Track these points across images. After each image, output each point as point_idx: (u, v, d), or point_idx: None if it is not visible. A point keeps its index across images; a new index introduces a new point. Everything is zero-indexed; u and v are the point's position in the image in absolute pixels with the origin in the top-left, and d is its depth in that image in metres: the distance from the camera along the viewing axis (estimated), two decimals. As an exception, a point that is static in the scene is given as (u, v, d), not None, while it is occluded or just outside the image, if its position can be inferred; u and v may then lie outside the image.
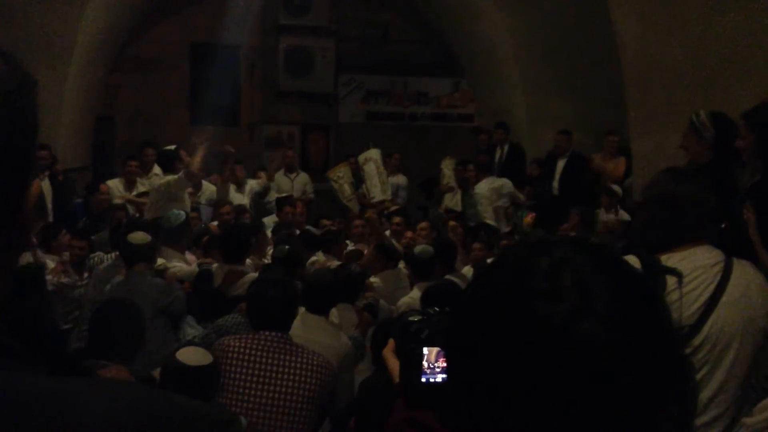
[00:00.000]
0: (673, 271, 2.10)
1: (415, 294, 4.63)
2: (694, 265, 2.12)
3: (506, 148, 9.18)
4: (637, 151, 6.44)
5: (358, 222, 6.98)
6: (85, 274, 5.14)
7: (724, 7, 5.19)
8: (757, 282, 2.18)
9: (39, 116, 0.75)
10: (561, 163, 8.36)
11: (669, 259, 2.14)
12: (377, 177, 9.24)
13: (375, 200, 8.95)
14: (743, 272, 2.16)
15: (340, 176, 9.32)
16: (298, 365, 2.95)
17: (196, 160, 6.18)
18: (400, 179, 9.62)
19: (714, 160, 3.86)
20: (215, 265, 4.88)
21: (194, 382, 2.60)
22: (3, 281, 0.73)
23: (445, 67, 11.60)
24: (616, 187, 7.25)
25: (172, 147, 7.02)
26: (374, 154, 9.40)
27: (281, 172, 9.42)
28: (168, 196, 6.11)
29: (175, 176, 6.22)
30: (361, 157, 9.42)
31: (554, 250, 0.73)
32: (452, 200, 9.03)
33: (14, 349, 0.67)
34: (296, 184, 9.26)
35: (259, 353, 2.95)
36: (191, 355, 2.70)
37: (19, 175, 0.72)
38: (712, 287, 2.09)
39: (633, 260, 2.13)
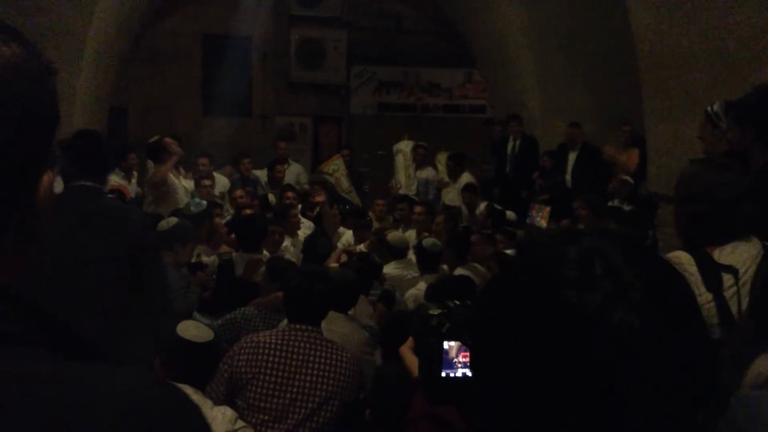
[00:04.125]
0: (730, 269, 2.09)
1: (422, 286, 4.65)
2: (743, 258, 2.11)
3: (519, 140, 9.13)
4: (653, 142, 6.39)
5: (379, 201, 7.16)
6: None
7: (742, -5, 5.12)
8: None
9: (57, 106, 0.74)
10: (572, 156, 8.32)
11: (720, 254, 2.12)
12: (403, 170, 9.19)
13: (402, 193, 8.91)
14: None
15: (335, 169, 9.25)
16: (328, 361, 2.96)
17: (162, 170, 6.03)
18: (428, 173, 9.46)
19: (730, 150, 3.83)
20: (234, 254, 4.96)
21: (197, 358, 2.61)
22: (19, 272, 0.72)
23: (457, 57, 11.53)
24: (628, 178, 7.20)
25: (155, 138, 7.03)
26: (405, 146, 9.35)
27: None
28: (153, 194, 6.13)
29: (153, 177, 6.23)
30: (395, 148, 9.39)
31: (582, 239, 0.72)
32: (447, 195, 8.96)
33: (28, 334, 0.66)
34: (288, 174, 9.16)
35: (290, 347, 2.95)
36: (193, 330, 2.70)
37: (32, 165, 0.70)
38: None
39: (686, 257, 2.11)
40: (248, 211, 6.61)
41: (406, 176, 9.20)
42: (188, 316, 4.20)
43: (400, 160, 9.33)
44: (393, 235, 5.82)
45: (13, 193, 0.68)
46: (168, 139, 6.47)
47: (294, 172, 9.22)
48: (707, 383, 0.68)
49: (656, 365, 0.65)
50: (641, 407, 0.64)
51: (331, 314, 3.69)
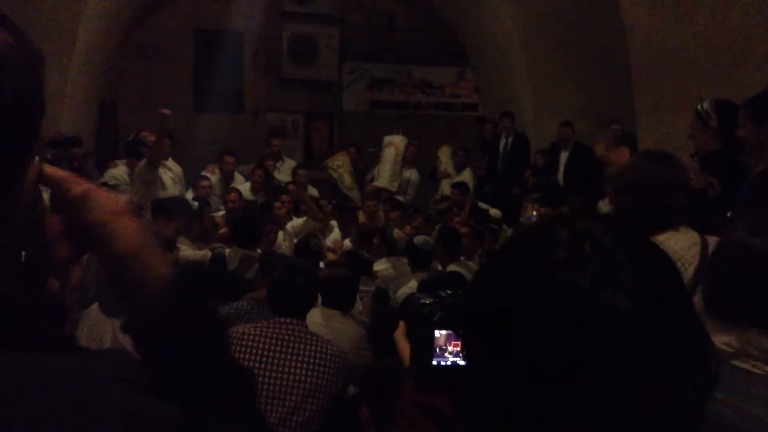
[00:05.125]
0: None
1: (414, 284, 4.65)
2: (674, 248, 2.13)
3: (511, 137, 9.16)
4: (643, 140, 6.41)
5: (370, 202, 7.32)
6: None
7: (733, -7, 5.15)
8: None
9: (45, 94, 0.72)
10: (564, 155, 8.34)
11: None
12: (391, 165, 9.11)
13: (378, 186, 8.88)
14: None
15: (339, 165, 9.24)
16: (312, 354, 2.94)
17: (156, 146, 6.09)
18: (412, 174, 9.51)
19: (721, 148, 3.84)
20: (228, 250, 4.95)
21: None
22: None
23: (450, 55, 11.53)
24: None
25: (132, 135, 7.05)
26: (398, 140, 9.31)
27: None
28: (142, 181, 6.16)
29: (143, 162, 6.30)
30: (386, 140, 9.34)
31: (573, 222, 0.73)
32: (448, 186, 9.04)
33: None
34: (283, 171, 9.15)
35: (274, 340, 2.93)
36: None
37: (18, 153, 0.69)
38: (692, 269, 2.11)
39: None
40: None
41: (392, 171, 9.14)
42: None
43: (390, 153, 9.26)
44: (397, 232, 5.86)
45: None
46: (144, 132, 6.50)
47: (289, 169, 9.22)
48: (696, 360, 0.68)
49: (646, 343, 0.65)
50: (632, 385, 0.65)
51: (328, 311, 3.69)
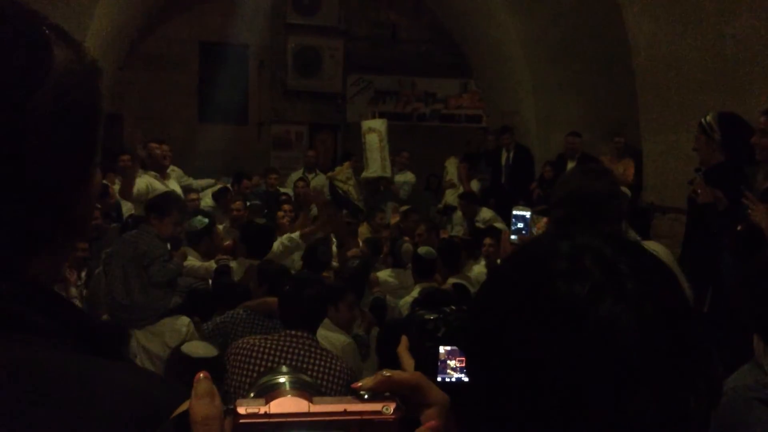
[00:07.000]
0: None
1: (416, 293, 4.64)
2: None
3: (512, 150, 9.16)
4: (648, 153, 6.40)
5: (380, 214, 7.51)
6: (83, 274, 5.16)
7: (736, 7, 5.15)
8: (667, 262, 2.23)
9: (104, 104, 0.76)
10: (571, 166, 8.31)
11: None
12: (378, 151, 8.67)
13: (371, 175, 8.69)
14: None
15: (348, 178, 9.18)
16: (321, 369, 2.93)
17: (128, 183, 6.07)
18: (408, 176, 9.50)
19: (725, 161, 3.84)
20: (233, 262, 4.96)
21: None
22: (57, 270, 0.74)
23: (453, 67, 11.56)
24: (624, 189, 7.21)
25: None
26: (378, 124, 8.86)
27: (300, 171, 9.41)
28: (138, 198, 6.24)
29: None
30: (365, 125, 8.91)
31: (574, 236, 0.74)
32: (452, 196, 9.05)
33: (40, 325, 0.67)
34: (314, 183, 9.21)
35: (284, 353, 2.93)
36: (196, 348, 2.74)
37: (85, 163, 0.72)
38: None
39: None
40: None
41: (381, 157, 8.69)
42: (168, 286, 4.34)
43: (373, 139, 8.74)
44: (407, 246, 5.85)
45: (67, 193, 0.70)
46: (152, 143, 6.64)
47: (319, 183, 9.22)
48: (699, 370, 0.68)
49: (647, 354, 0.65)
50: (633, 396, 0.64)
51: None
